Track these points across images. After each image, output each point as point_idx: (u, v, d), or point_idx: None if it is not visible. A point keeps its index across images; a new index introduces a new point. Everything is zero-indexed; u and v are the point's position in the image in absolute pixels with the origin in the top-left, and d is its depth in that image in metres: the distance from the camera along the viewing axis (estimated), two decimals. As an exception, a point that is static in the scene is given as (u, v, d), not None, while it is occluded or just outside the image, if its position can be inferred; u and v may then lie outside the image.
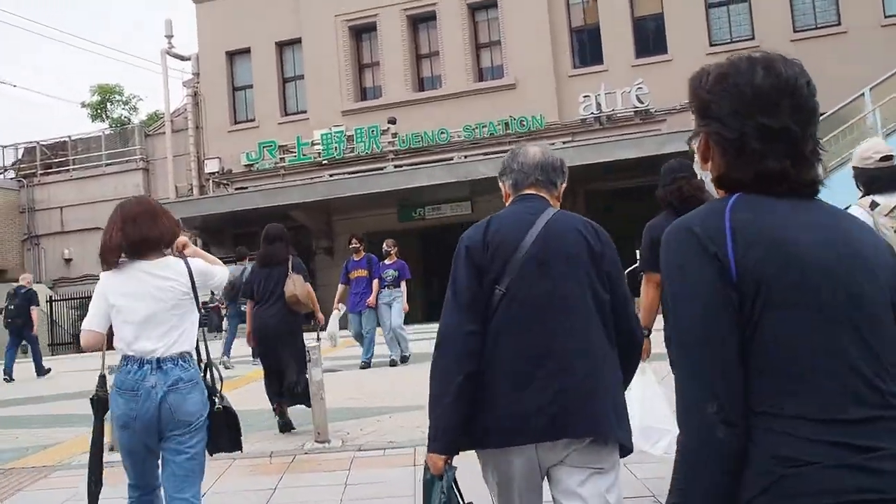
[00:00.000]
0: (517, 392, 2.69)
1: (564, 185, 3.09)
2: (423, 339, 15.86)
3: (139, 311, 3.89)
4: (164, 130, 30.61)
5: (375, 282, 13.24)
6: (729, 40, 25.18)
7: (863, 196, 4.25)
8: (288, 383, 7.99)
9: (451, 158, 24.74)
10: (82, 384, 12.36)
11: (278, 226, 8.65)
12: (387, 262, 13.64)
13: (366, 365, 13.11)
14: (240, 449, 4.31)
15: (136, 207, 4.06)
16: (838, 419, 1.55)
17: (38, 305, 18.06)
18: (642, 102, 23.72)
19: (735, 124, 1.69)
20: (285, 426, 8.13)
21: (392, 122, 25.79)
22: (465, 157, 24.71)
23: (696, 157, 1.86)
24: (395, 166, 25.25)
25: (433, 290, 29.28)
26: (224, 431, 4.09)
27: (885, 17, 23.87)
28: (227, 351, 14.76)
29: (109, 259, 3.98)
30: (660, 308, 4.45)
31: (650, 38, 26.03)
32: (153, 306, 3.89)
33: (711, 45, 25.14)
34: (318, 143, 26.37)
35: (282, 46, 29.28)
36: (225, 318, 16.08)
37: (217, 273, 4.24)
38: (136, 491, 4.04)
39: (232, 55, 29.76)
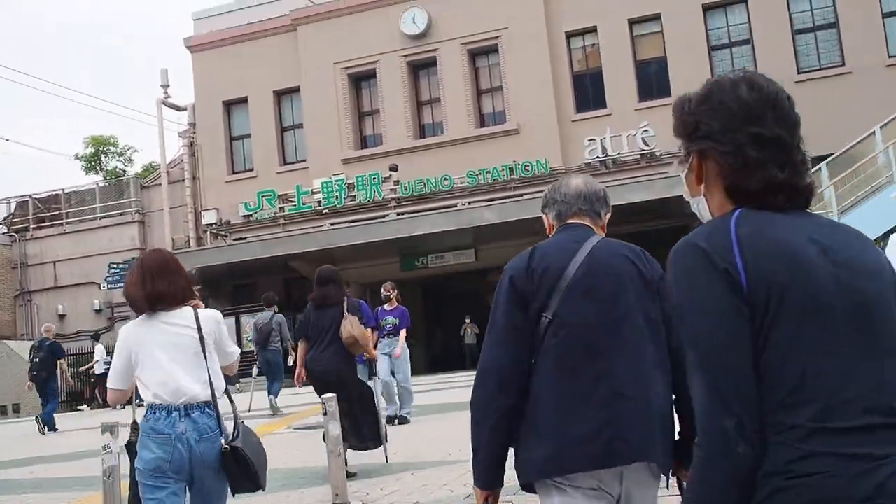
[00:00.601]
0: (571, 419, 2.66)
1: (608, 214, 3.07)
2: (426, 390, 15.46)
3: (162, 359, 4.09)
4: (159, 182, 30.14)
5: (368, 332, 11.56)
6: (733, 82, 24.85)
7: None
8: (351, 424, 7.74)
9: (455, 205, 24.32)
10: (81, 444, 12.05)
11: (331, 268, 8.81)
12: (386, 307, 12.49)
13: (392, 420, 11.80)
14: (258, 488, 4.30)
15: (153, 262, 4.30)
16: (847, 427, 1.55)
17: (63, 357, 18.07)
18: (648, 145, 23.34)
19: (728, 138, 1.72)
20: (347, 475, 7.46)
21: (394, 169, 25.39)
22: (469, 203, 24.33)
23: (685, 184, 1.89)
24: (398, 214, 24.79)
25: (436, 343, 28.85)
26: (235, 470, 4.13)
27: (889, 56, 23.64)
28: (275, 393, 14.64)
29: (140, 308, 4.24)
30: None
31: (653, 81, 25.77)
32: (175, 354, 4.10)
33: (715, 87, 24.82)
34: (318, 192, 25.96)
35: (280, 95, 29.00)
36: (255, 367, 15.55)
37: (232, 347, 4.48)
38: None
39: (229, 104, 29.42)
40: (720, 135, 1.75)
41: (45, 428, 16.30)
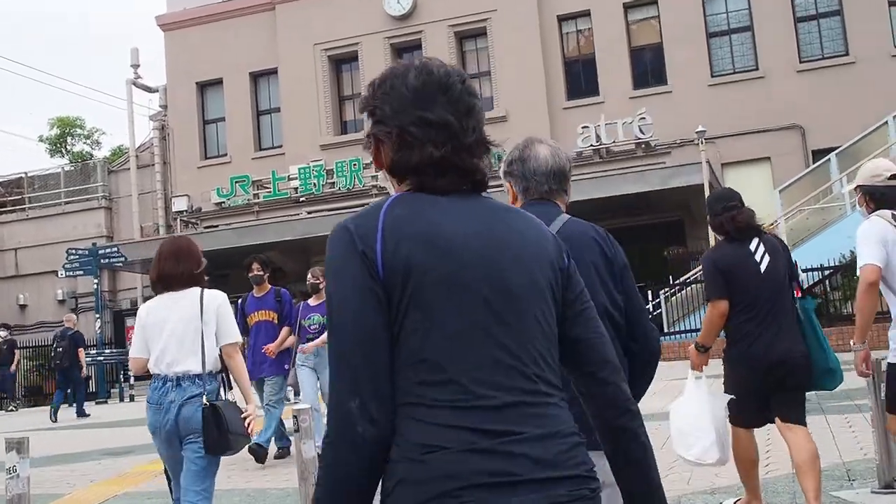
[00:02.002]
0: None
1: (571, 186, 3.05)
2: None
3: (164, 334, 4.58)
4: (128, 166, 28.58)
5: (286, 330, 8.94)
6: (732, 70, 23.86)
7: (872, 210, 4.54)
8: None
9: (439, 194, 22.98)
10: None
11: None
12: (311, 301, 9.13)
13: (256, 449, 8.27)
14: (229, 451, 4.61)
15: (167, 247, 4.89)
16: (479, 406, 1.59)
17: (84, 347, 18.80)
18: (645, 134, 22.15)
19: (395, 121, 1.77)
20: None
21: (375, 155, 24.04)
22: (454, 192, 23.02)
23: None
24: (379, 203, 23.47)
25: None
26: (213, 431, 4.45)
27: (895, 46, 22.62)
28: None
29: (155, 288, 4.83)
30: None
31: (648, 68, 24.64)
32: (175, 330, 4.57)
33: (713, 75, 23.82)
34: (295, 178, 24.62)
35: (256, 77, 27.63)
36: None
37: (232, 328, 4.87)
38: None
39: (203, 86, 27.99)
40: (389, 119, 1.77)
41: (76, 415, 17.27)
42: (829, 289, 17.18)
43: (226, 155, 27.40)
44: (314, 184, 24.44)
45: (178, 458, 4.55)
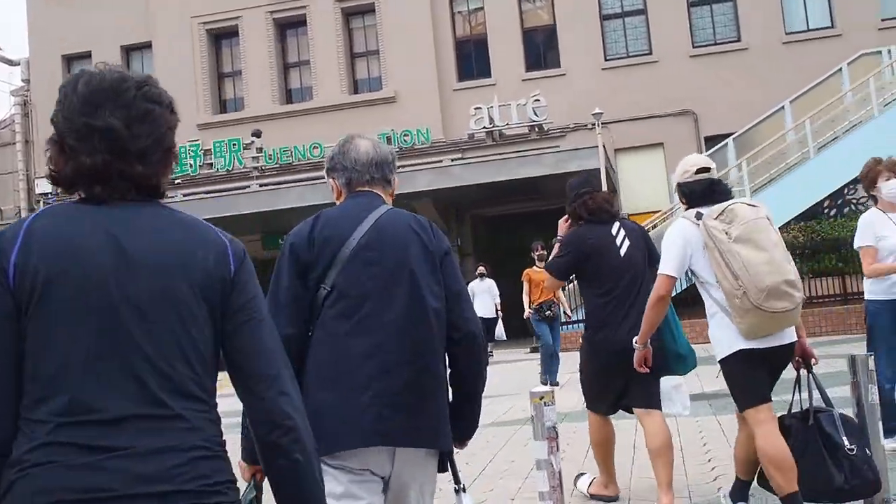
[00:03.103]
0: (338, 395, 2.61)
1: (397, 179, 3.02)
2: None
3: None
4: (-13, 145, 26.55)
5: None
6: (625, 54, 23.47)
7: (687, 209, 4.40)
8: None
9: (324, 177, 21.82)
10: None
11: None
12: None
13: None
14: None
15: None
16: (91, 421, 1.58)
17: None
18: (539, 116, 21.48)
19: (61, 128, 1.75)
20: None
21: (256, 135, 22.76)
22: (341, 175, 21.94)
23: None
24: (260, 185, 22.18)
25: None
26: None
27: (786, 33, 22.60)
28: None
29: None
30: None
31: (541, 50, 24.06)
32: None
33: (607, 59, 23.38)
34: (170, 159, 23.04)
35: (128, 51, 25.96)
36: None
37: None
38: None
39: (70, 60, 26.01)
40: (59, 125, 1.76)
41: None
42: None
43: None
44: (190, 164, 22.95)
45: None
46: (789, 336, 4.15)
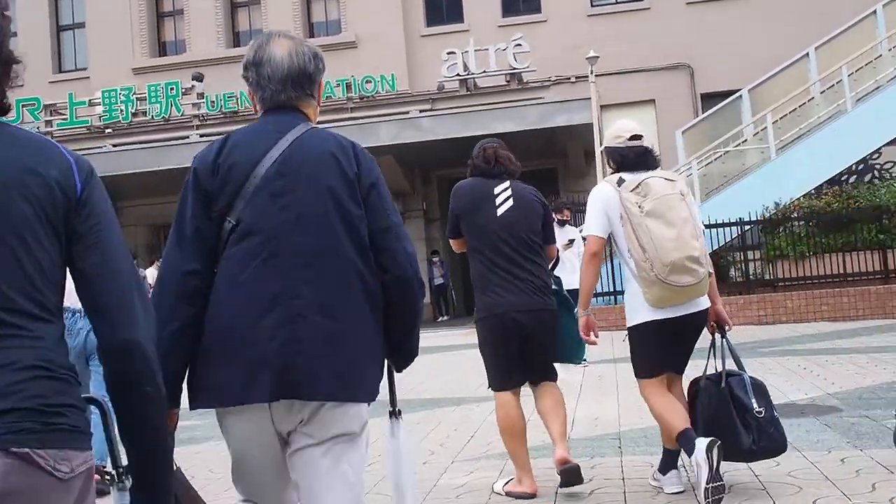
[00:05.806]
0: (241, 342, 2.31)
1: (323, 81, 2.64)
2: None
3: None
4: None
5: None
6: (615, 0, 21.31)
7: (612, 172, 4.45)
8: None
9: (273, 126, 19.49)
10: None
11: None
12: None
13: None
14: None
15: None
16: None
17: None
18: (519, 63, 19.12)
19: None
20: None
21: (198, 78, 20.26)
22: (293, 125, 19.62)
23: None
24: (201, 135, 19.62)
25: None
26: None
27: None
28: None
29: None
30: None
31: (520, -7, 21.85)
32: None
33: (594, 4, 21.30)
34: (98, 103, 20.44)
35: (58, -15, 23.44)
36: None
37: None
38: None
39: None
40: None
41: None
42: (748, 246, 14.61)
43: (16, 77, 22.91)
44: (121, 110, 20.32)
45: (86, 371, 5.46)
46: (701, 304, 4.27)
